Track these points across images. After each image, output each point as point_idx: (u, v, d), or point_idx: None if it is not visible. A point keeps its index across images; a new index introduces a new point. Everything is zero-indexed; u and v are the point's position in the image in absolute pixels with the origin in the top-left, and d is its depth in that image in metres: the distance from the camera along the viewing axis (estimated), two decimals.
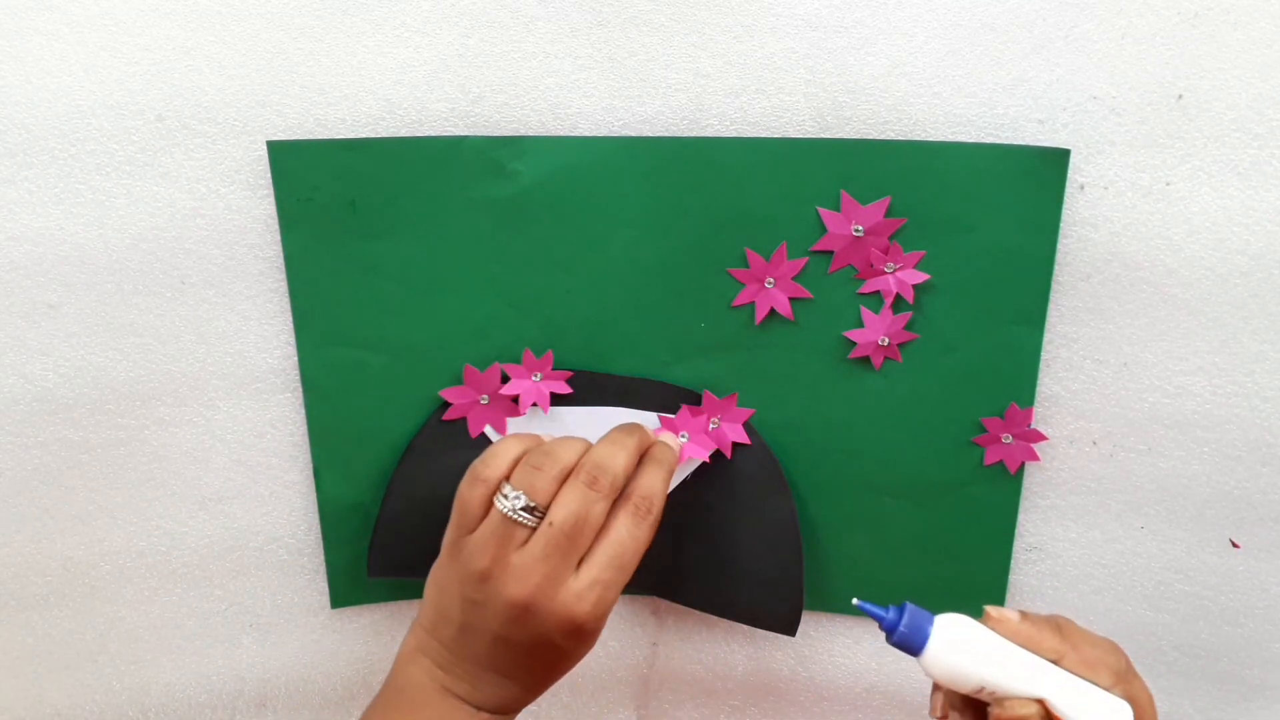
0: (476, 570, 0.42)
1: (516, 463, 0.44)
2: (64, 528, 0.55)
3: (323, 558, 0.57)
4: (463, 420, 0.54)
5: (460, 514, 0.44)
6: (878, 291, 0.50)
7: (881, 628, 0.39)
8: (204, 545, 0.57)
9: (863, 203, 0.49)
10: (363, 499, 0.56)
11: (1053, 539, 0.54)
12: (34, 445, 0.53)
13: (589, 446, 0.45)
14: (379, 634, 0.60)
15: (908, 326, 0.51)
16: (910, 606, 0.39)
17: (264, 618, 0.59)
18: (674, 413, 0.53)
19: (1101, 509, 0.53)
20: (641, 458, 0.46)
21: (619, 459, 0.44)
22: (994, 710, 0.38)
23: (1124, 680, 0.39)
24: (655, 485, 0.45)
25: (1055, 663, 0.39)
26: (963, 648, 0.38)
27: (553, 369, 0.53)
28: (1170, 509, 0.52)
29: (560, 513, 0.42)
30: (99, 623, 0.57)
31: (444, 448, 0.54)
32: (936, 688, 0.41)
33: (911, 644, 0.38)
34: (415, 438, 0.54)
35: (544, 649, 0.43)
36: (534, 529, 0.42)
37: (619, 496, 0.44)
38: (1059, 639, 0.39)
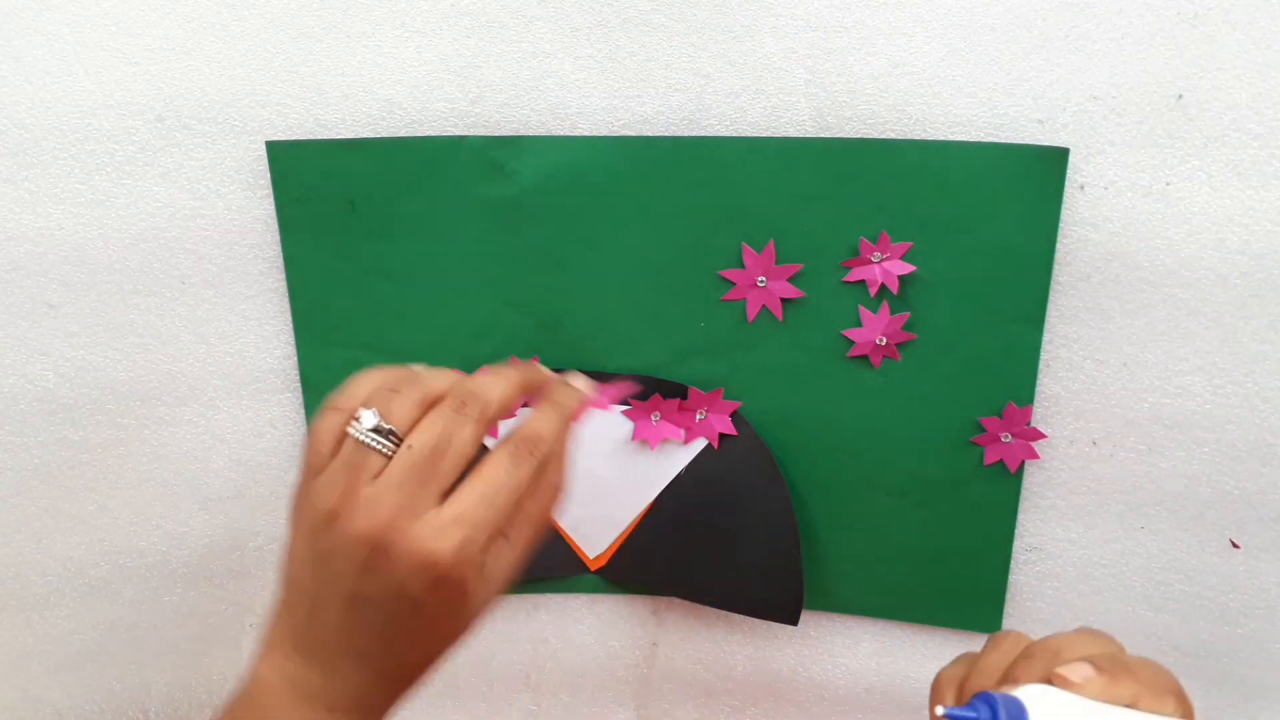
0: (324, 510, 0.35)
1: (375, 393, 0.37)
2: (64, 527, 0.55)
3: None
4: None
5: (310, 451, 0.37)
6: (863, 281, 0.50)
7: None
8: (204, 545, 0.57)
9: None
10: None
11: (1053, 539, 0.54)
12: (34, 445, 0.53)
13: (462, 375, 0.39)
14: None
15: (906, 326, 0.51)
16: (995, 696, 0.35)
17: (264, 618, 0.59)
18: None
19: (1101, 509, 0.53)
20: (537, 401, 0.40)
21: (495, 388, 0.38)
22: None
23: (1179, 698, 0.38)
24: (543, 428, 0.38)
25: (1133, 705, 0.36)
26: None
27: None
28: (1170, 509, 0.52)
29: (421, 436, 0.35)
30: (99, 622, 0.57)
31: None
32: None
33: None
34: None
35: (402, 604, 0.35)
36: (390, 456, 0.35)
37: (504, 439, 0.38)
38: (1131, 679, 0.37)
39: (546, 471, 0.39)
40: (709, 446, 0.54)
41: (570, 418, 0.40)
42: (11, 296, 0.50)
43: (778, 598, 0.56)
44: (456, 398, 0.37)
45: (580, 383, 0.42)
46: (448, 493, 0.36)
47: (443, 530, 0.35)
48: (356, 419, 0.36)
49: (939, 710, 0.36)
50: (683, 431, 0.54)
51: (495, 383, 0.38)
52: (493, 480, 0.36)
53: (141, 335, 0.52)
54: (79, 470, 0.54)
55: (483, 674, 0.61)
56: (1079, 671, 0.36)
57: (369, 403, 0.36)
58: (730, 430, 0.54)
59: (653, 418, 0.54)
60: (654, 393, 0.53)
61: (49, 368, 0.52)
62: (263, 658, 0.38)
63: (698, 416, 0.54)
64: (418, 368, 0.39)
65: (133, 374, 0.53)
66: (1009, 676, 0.38)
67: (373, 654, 0.37)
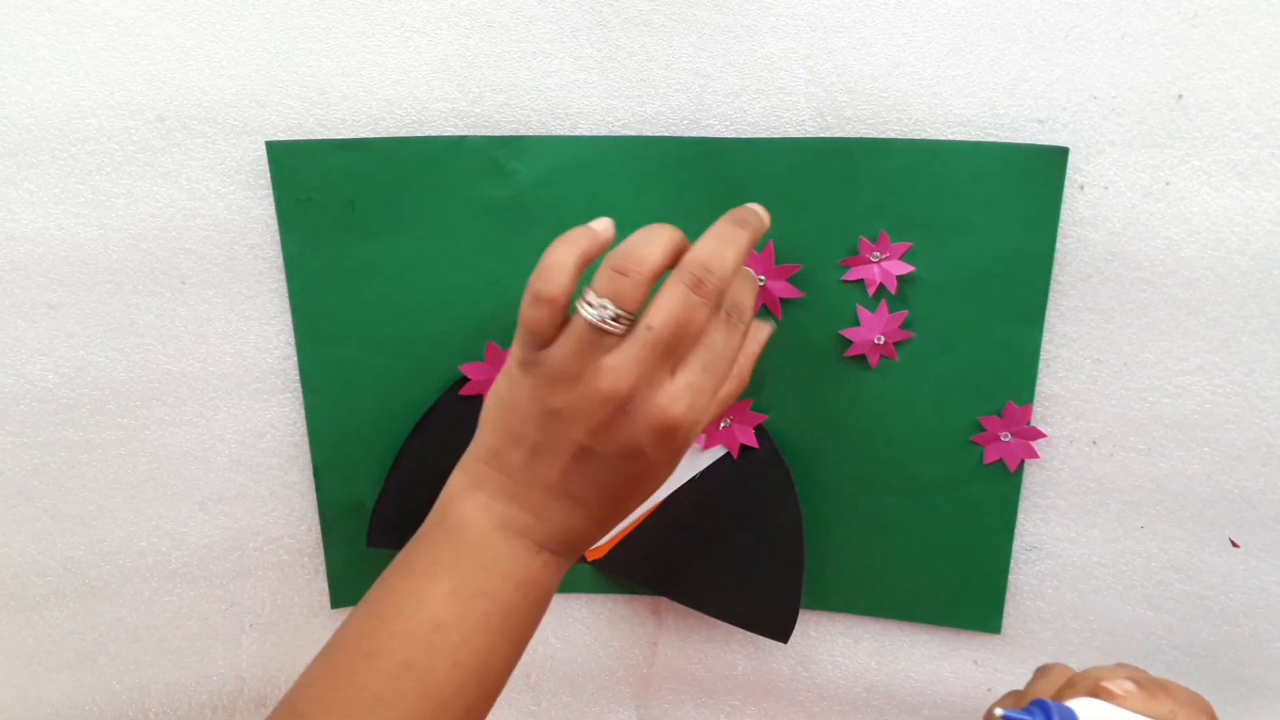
0: (562, 373, 0.38)
1: (579, 272, 0.40)
2: (64, 528, 0.55)
3: (323, 558, 0.57)
4: (479, 397, 0.54)
5: (528, 334, 0.39)
6: (861, 280, 0.50)
7: None
8: (204, 545, 0.57)
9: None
10: (363, 499, 0.56)
11: (1053, 539, 0.54)
12: (34, 445, 0.53)
13: (679, 241, 0.40)
14: None
15: (905, 325, 0.51)
16: (1050, 703, 0.37)
17: (264, 618, 0.59)
18: None
19: (1101, 509, 0.53)
20: None
21: (728, 259, 0.39)
22: None
23: (1213, 719, 0.40)
24: (746, 298, 0.42)
25: None
26: None
27: None
28: (1170, 509, 0.52)
29: (661, 317, 0.38)
30: (99, 623, 0.57)
31: (458, 423, 0.54)
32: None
33: None
34: (430, 410, 0.54)
35: (630, 458, 0.39)
36: (622, 335, 0.38)
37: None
38: (1168, 697, 0.39)
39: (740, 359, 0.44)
40: (727, 455, 0.54)
41: (757, 287, 0.44)
42: (11, 296, 0.50)
43: (772, 615, 0.56)
44: (693, 274, 0.39)
45: (763, 210, 0.44)
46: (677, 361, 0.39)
47: (677, 395, 0.38)
48: (588, 304, 0.38)
49: (997, 712, 0.37)
50: (704, 437, 0.54)
51: (727, 253, 0.40)
52: (714, 350, 0.40)
53: (141, 335, 0.52)
54: (78, 470, 0.54)
55: None
56: (1121, 685, 0.39)
57: (598, 285, 0.39)
58: (752, 442, 0.54)
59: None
60: None
61: (48, 368, 0.52)
62: (462, 499, 0.41)
63: (721, 424, 0.54)
64: (640, 237, 0.40)
65: (132, 374, 0.53)
66: (1057, 698, 0.40)
67: (588, 500, 0.40)
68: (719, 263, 0.39)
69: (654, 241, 0.39)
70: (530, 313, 0.39)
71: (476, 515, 0.40)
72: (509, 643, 0.41)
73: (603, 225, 0.41)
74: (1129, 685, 0.39)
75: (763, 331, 0.50)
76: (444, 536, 0.41)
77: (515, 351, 0.41)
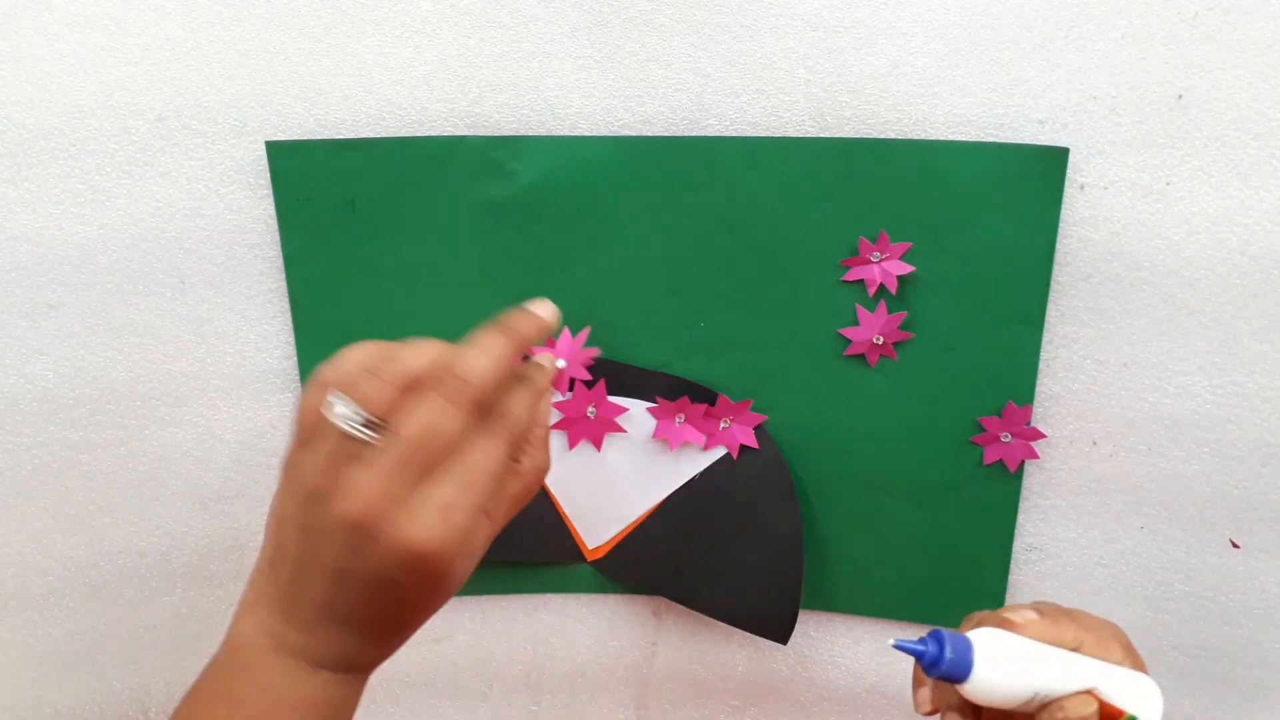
0: (310, 489, 0.35)
1: (361, 368, 0.37)
2: (64, 527, 0.55)
3: None
4: None
5: (298, 423, 0.37)
6: (862, 280, 0.50)
7: (922, 663, 0.37)
8: (204, 545, 0.57)
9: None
10: None
11: (1053, 539, 0.54)
12: (34, 445, 0.53)
13: (447, 350, 0.38)
14: None
15: (905, 325, 0.51)
16: (944, 634, 0.37)
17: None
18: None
19: (1101, 509, 0.53)
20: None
21: (484, 369, 0.37)
22: (1054, 714, 0.37)
23: (1130, 652, 0.39)
24: (517, 407, 0.38)
25: (1077, 650, 0.38)
26: (1006, 663, 0.37)
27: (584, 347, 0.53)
28: (1170, 509, 0.52)
29: (409, 426, 0.35)
30: (100, 622, 0.57)
31: None
32: (921, 682, 0.40)
33: (958, 673, 0.37)
34: None
35: (388, 587, 0.36)
36: (369, 443, 0.35)
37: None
38: (1074, 625, 0.39)
39: (528, 450, 0.40)
40: (727, 455, 0.54)
41: (543, 393, 0.40)
42: (12, 296, 0.50)
43: (772, 615, 0.56)
44: (443, 382, 0.36)
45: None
46: (428, 474, 0.36)
47: (427, 520, 0.35)
48: (330, 402, 0.36)
49: (889, 641, 0.37)
50: (704, 437, 0.54)
51: (483, 361, 0.37)
52: (473, 465, 0.36)
53: (142, 335, 0.52)
54: (79, 470, 0.54)
55: (483, 674, 0.61)
56: (1022, 614, 0.38)
57: (348, 386, 0.36)
58: (752, 442, 0.54)
59: (677, 419, 0.53)
60: (684, 394, 0.53)
61: (49, 368, 0.52)
62: (245, 613, 0.38)
63: (722, 425, 0.54)
64: (405, 343, 0.38)
65: (133, 374, 0.53)
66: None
67: (355, 622, 0.37)
68: (474, 371, 0.37)
69: (419, 349, 0.38)
70: (305, 398, 0.37)
71: (253, 635, 0.38)
72: None
73: (409, 342, 0.39)
74: (1030, 614, 0.38)
75: (541, 402, 0.42)
76: (227, 657, 0.39)
77: (288, 449, 0.38)
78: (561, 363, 0.46)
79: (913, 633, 0.58)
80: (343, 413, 0.35)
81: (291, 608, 0.38)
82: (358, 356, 0.37)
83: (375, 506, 0.34)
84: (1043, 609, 0.39)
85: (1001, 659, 0.37)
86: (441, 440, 0.36)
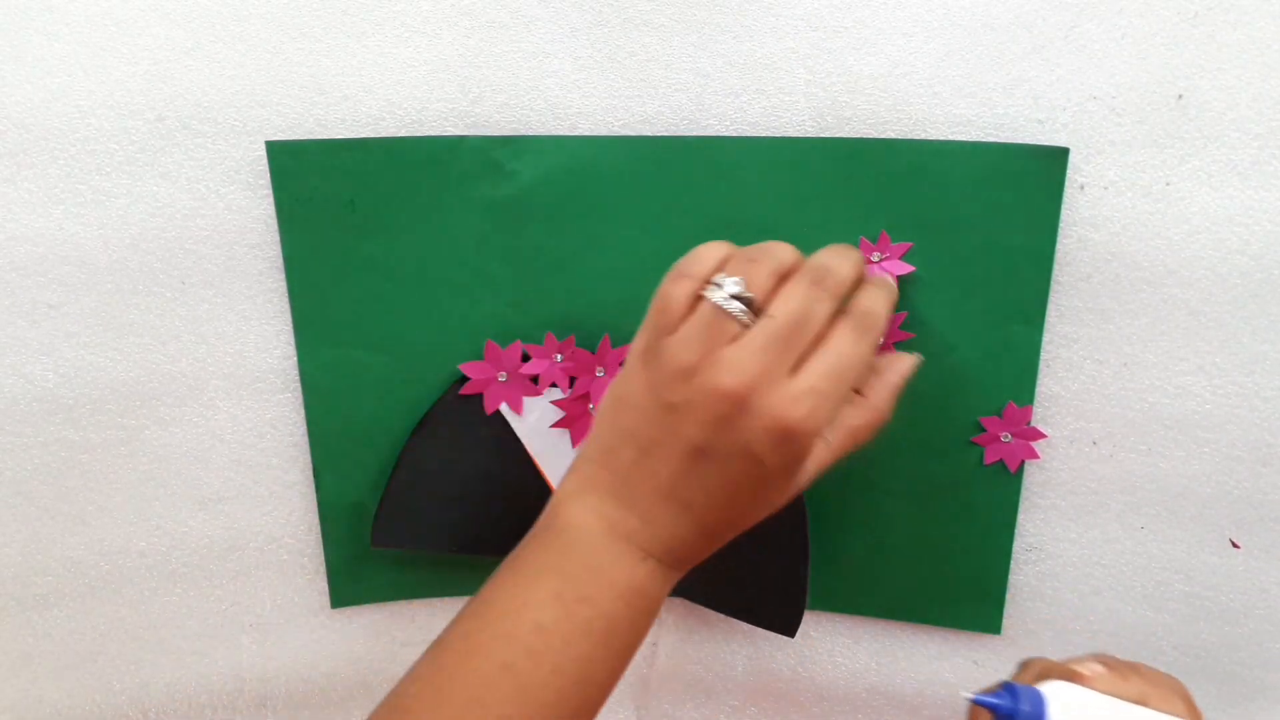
0: (681, 366, 0.37)
1: (725, 261, 0.39)
2: (64, 528, 0.55)
3: (323, 558, 0.57)
4: (479, 396, 0.54)
5: (659, 313, 0.38)
6: None
7: (997, 715, 0.38)
8: (204, 545, 0.57)
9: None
10: (363, 499, 0.56)
11: (1053, 539, 0.54)
12: (34, 445, 0.53)
13: (801, 254, 0.40)
14: (379, 634, 0.60)
15: (904, 325, 0.51)
16: (1018, 687, 0.38)
17: (264, 618, 0.59)
18: None
19: (1101, 509, 0.53)
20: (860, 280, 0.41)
21: (845, 267, 0.39)
22: None
23: (1190, 706, 0.39)
24: (878, 306, 0.40)
25: (1143, 704, 0.38)
26: (1079, 717, 0.38)
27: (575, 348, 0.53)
28: (1170, 509, 0.52)
29: (783, 306, 0.37)
30: (99, 623, 0.57)
31: (458, 422, 0.54)
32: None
33: None
34: (431, 410, 0.54)
35: (744, 462, 0.37)
36: (747, 326, 0.37)
37: (839, 311, 0.39)
38: (1139, 679, 0.39)
39: (874, 387, 0.42)
40: None
41: (893, 303, 0.42)
42: (11, 297, 0.50)
43: (778, 608, 0.56)
44: (814, 272, 0.38)
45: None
46: (799, 362, 0.37)
47: (798, 398, 0.36)
48: (717, 284, 0.37)
49: (963, 693, 0.38)
50: None
51: (843, 261, 0.39)
52: (841, 354, 0.38)
53: (141, 335, 0.52)
54: (79, 470, 0.54)
55: None
56: (1090, 667, 0.39)
57: (728, 270, 0.38)
58: None
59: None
60: None
61: (49, 368, 0.52)
62: (572, 500, 0.40)
63: None
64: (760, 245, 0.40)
65: (133, 374, 0.53)
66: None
67: (697, 506, 0.39)
68: (837, 265, 0.39)
69: (783, 247, 0.40)
70: (670, 289, 0.39)
71: (584, 518, 0.39)
72: (611, 653, 0.39)
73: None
74: (1098, 667, 0.39)
75: (905, 362, 0.45)
76: (553, 538, 0.40)
77: (638, 341, 0.40)
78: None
79: (912, 635, 0.58)
80: (729, 292, 0.37)
81: (631, 492, 0.39)
82: (718, 251, 0.39)
83: (752, 380, 0.36)
84: (1108, 661, 0.39)
85: (1074, 713, 0.38)
86: (813, 326, 0.37)
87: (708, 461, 0.38)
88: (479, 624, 0.39)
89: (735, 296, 0.37)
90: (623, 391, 0.40)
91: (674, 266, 0.40)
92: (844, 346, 0.38)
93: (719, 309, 0.37)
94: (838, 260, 0.39)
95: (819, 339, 0.38)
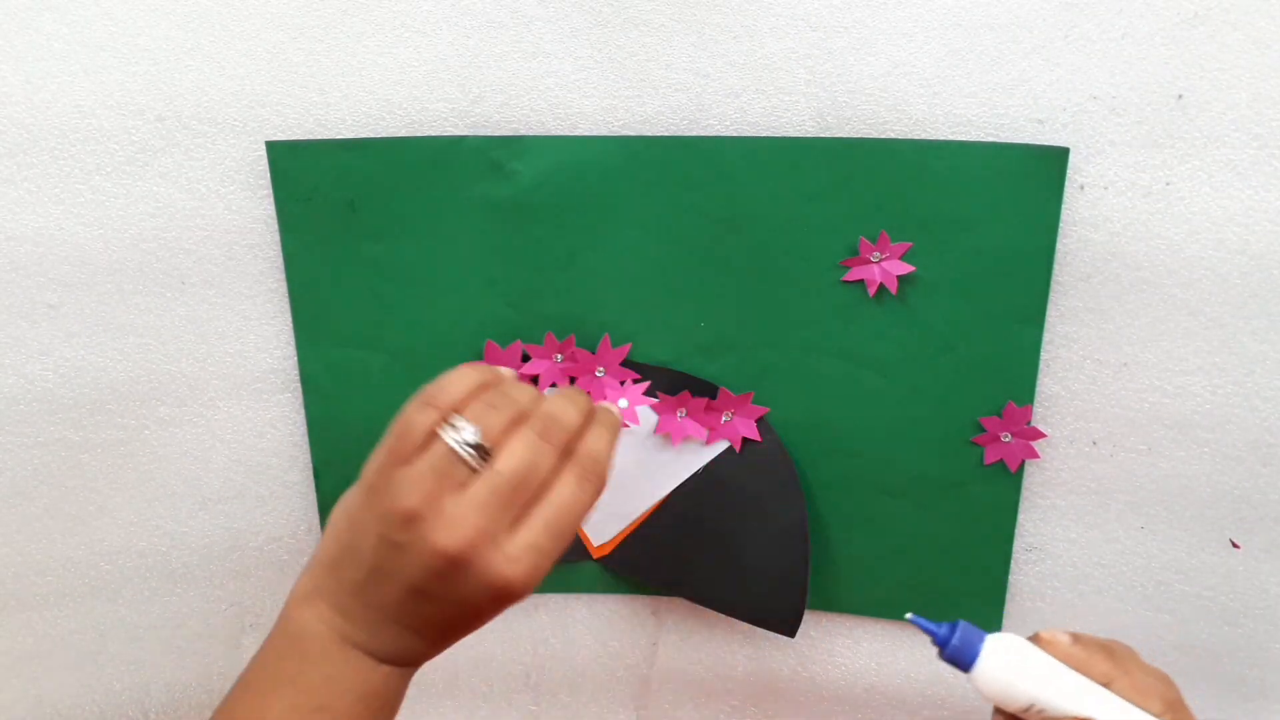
0: (404, 508, 0.37)
1: (470, 396, 0.39)
2: (64, 528, 0.55)
3: None
4: None
5: (398, 438, 0.38)
6: (862, 280, 0.50)
7: (934, 642, 0.39)
8: (204, 545, 0.57)
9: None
10: None
11: (1053, 539, 0.54)
12: (34, 445, 0.53)
13: (541, 395, 0.41)
14: None
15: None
16: (964, 624, 0.39)
17: (264, 618, 0.59)
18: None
19: (1101, 509, 0.53)
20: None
21: (570, 414, 0.40)
22: None
23: (1174, 709, 0.39)
24: (602, 448, 0.40)
25: (1105, 686, 0.38)
26: (1014, 666, 0.38)
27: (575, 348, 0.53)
28: (1170, 509, 0.52)
29: (510, 461, 0.37)
30: (99, 623, 0.57)
31: None
32: (997, 712, 0.41)
33: (962, 660, 0.39)
34: None
35: (462, 607, 0.38)
36: (476, 471, 0.37)
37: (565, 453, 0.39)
38: (1110, 663, 0.39)
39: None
40: (730, 449, 0.54)
41: (617, 438, 0.42)
42: (11, 297, 0.50)
43: (779, 609, 0.56)
44: (542, 423, 0.39)
45: (610, 406, 0.44)
46: (520, 513, 0.38)
47: (516, 559, 0.37)
48: (454, 425, 0.37)
49: (907, 615, 0.39)
50: (706, 431, 0.54)
51: (570, 409, 0.40)
52: (562, 505, 0.38)
53: (141, 335, 0.52)
54: (79, 471, 0.54)
55: (483, 674, 0.61)
56: (1056, 635, 0.39)
57: (469, 413, 0.38)
58: (754, 435, 0.54)
59: (678, 413, 0.53)
60: (684, 389, 0.53)
61: (49, 368, 0.52)
62: (304, 603, 0.40)
63: (723, 418, 0.54)
64: (506, 372, 0.41)
65: (133, 374, 0.53)
66: None
67: (421, 628, 0.39)
68: (564, 415, 0.39)
69: (523, 390, 0.40)
70: (412, 414, 0.38)
71: (316, 626, 0.39)
72: None
73: (509, 371, 0.42)
74: (1063, 636, 0.39)
75: (610, 422, 0.43)
76: (287, 647, 0.40)
77: (373, 459, 0.39)
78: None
79: (912, 635, 0.58)
80: (462, 438, 0.37)
81: (357, 609, 0.39)
82: (465, 383, 0.39)
83: (473, 542, 0.36)
84: (1083, 638, 0.40)
85: (1010, 662, 0.38)
86: (537, 477, 0.38)
87: (428, 600, 0.38)
88: None
89: (469, 443, 0.37)
90: (353, 510, 0.39)
91: (422, 390, 0.40)
92: (565, 496, 0.38)
93: (451, 452, 0.37)
94: (564, 407, 0.40)
95: (542, 488, 0.38)
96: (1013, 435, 0.52)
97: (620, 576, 0.59)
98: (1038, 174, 0.47)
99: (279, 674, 0.40)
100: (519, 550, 0.37)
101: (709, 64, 0.48)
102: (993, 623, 0.56)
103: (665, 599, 0.59)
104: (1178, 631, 0.54)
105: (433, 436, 0.38)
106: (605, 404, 0.44)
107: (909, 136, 0.48)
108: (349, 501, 0.40)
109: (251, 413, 0.54)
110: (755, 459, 0.54)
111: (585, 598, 0.60)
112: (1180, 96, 0.45)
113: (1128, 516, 0.53)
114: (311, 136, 0.49)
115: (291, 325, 0.52)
